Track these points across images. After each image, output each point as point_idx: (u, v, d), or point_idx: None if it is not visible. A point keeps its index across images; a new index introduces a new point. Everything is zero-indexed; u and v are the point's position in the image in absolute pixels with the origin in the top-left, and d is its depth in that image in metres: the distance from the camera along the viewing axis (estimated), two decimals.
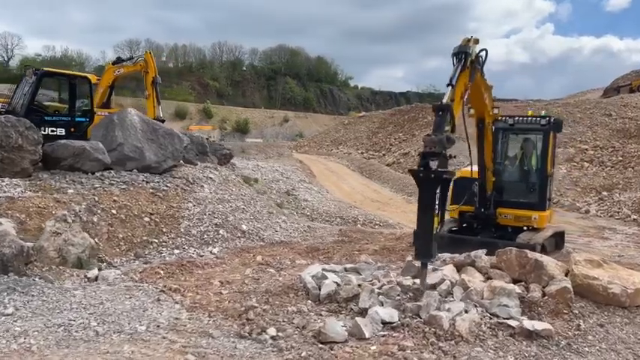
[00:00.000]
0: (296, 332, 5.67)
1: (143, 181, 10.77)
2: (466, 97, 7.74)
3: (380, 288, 7.17)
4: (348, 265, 8.28)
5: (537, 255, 8.07)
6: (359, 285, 6.92)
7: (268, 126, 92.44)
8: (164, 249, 9.32)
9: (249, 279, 7.67)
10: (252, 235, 11.03)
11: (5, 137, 9.39)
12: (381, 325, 5.99)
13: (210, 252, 9.64)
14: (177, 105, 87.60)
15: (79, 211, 9.00)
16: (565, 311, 6.94)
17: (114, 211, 9.42)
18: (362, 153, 44.70)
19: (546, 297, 7.30)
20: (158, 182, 10.98)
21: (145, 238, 9.38)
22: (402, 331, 5.89)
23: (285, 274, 8.09)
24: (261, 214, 12.59)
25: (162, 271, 7.73)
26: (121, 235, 9.10)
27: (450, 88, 7.34)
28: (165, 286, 6.93)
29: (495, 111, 9.67)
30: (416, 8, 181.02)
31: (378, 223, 18.56)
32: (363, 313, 6.32)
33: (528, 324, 6.17)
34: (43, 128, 13.36)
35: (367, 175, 33.76)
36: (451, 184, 11.86)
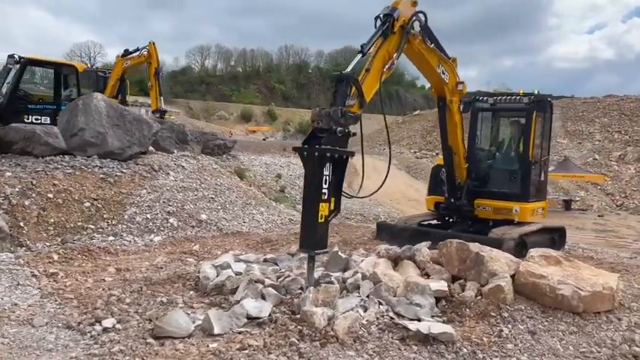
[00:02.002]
0: (139, 325, 4.96)
1: (96, 166, 10.39)
2: (386, 67, 6.68)
3: (282, 280, 6.35)
4: (269, 256, 7.47)
5: (486, 248, 6.94)
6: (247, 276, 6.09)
7: None
8: (98, 235, 8.85)
9: (153, 267, 7.04)
10: (209, 225, 10.39)
11: None
12: (245, 320, 5.17)
13: (151, 240, 9.08)
14: (243, 107, 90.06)
15: (10, 194, 8.71)
16: (493, 314, 5.83)
17: (50, 195, 9.06)
18: (414, 152, 43.37)
19: (480, 297, 6.20)
20: (113, 168, 10.56)
21: (79, 223, 8.95)
22: (265, 328, 5.04)
23: (202, 263, 7.37)
24: (235, 204, 11.95)
25: (56, 256, 7.23)
26: (52, 220, 8.71)
27: (359, 55, 6.36)
28: (45, 271, 6.41)
29: (460, 87, 8.50)
30: (489, 5, 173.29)
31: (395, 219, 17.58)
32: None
33: (424, 326, 5.13)
34: (27, 116, 13.47)
35: (414, 175, 32.58)
36: (430, 173, 10.93)
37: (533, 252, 7.02)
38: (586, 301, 6.09)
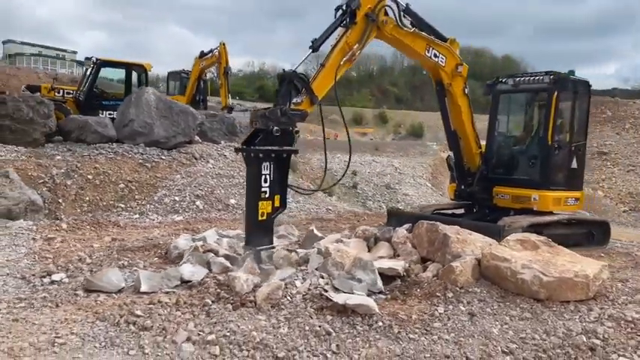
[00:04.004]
0: (84, 281, 5.48)
1: (138, 153, 11.37)
2: (344, 59, 6.59)
3: (243, 253, 6.60)
4: None
5: (464, 231, 6.67)
6: (202, 246, 6.42)
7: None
8: (126, 213, 9.71)
9: (144, 239, 7.62)
10: (235, 209, 10.89)
11: (17, 111, 10.72)
12: (177, 283, 5.50)
13: (173, 219, 9.77)
14: (354, 111, 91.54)
15: (55, 175, 9.86)
16: (438, 294, 5.61)
17: (90, 177, 10.10)
18: None
19: (436, 278, 5.99)
20: (153, 155, 11.48)
21: (112, 202, 9.89)
22: (191, 290, 5.33)
23: (194, 238, 7.85)
24: None
25: (65, 225, 8.10)
26: (87, 198, 9.73)
27: (309, 51, 6.38)
28: (45, 236, 7.24)
29: (459, 69, 8.12)
30: None
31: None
32: None
33: (342, 298, 5.10)
34: (101, 112, 14.99)
35: None
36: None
37: (511, 236, 6.57)
38: (550, 288, 5.63)
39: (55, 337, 4.04)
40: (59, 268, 5.75)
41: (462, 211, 10.08)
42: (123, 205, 9.93)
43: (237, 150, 6.22)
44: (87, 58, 14.96)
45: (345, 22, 6.61)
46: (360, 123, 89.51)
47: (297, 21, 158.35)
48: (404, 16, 7.38)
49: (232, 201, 11.15)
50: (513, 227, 7.96)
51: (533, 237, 6.47)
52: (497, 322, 5.23)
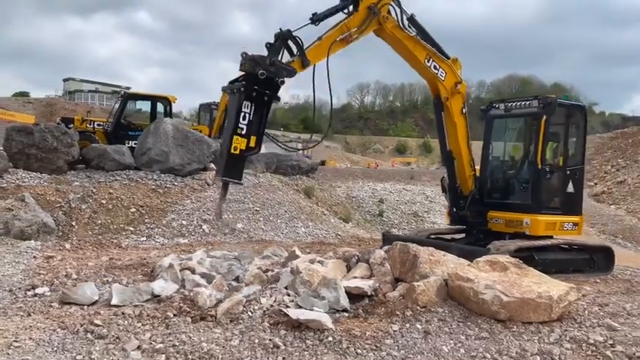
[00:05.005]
0: (60, 294, 5.87)
1: (151, 179, 11.95)
2: (340, 37, 7.04)
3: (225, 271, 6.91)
4: (237, 253, 8.05)
5: (438, 252, 6.74)
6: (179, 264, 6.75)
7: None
8: (134, 235, 10.21)
9: (138, 258, 8.02)
10: (242, 233, 11.24)
11: (42, 140, 11.53)
12: (148, 297, 5.83)
13: (177, 242, 10.20)
14: (398, 141, 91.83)
15: (72, 199, 10.52)
16: (398, 313, 5.72)
17: (103, 201, 10.71)
18: None
19: (402, 297, 6.10)
20: (167, 181, 12.04)
21: (122, 225, 10.42)
22: (158, 304, 5.64)
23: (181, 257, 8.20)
24: (280, 217, 12.67)
25: (68, 245, 8.62)
26: (99, 221, 10.31)
27: (308, 21, 6.84)
28: (45, 254, 7.76)
29: (458, 87, 8.31)
30: None
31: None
32: None
33: (295, 313, 5.29)
34: (128, 142, 15.82)
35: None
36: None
37: (482, 257, 6.59)
38: (511, 308, 5.63)
39: (14, 341, 4.42)
40: (44, 282, 6.19)
41: (462, 235, 10.09)
42: (132, 229, 10.45)
43: (223, 89, 6.75)
44: (115, 92, 15.89)
45: (347, 9, 7.08)
46: (403, 152, 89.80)
47: (344, 57, 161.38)
48: (408, 26, 7.76)
49: (239, 225, 11.51)
50: (501, 251, 7.92)
51: (503, 258, 6.48)
52: (451, 341, 5.28)
